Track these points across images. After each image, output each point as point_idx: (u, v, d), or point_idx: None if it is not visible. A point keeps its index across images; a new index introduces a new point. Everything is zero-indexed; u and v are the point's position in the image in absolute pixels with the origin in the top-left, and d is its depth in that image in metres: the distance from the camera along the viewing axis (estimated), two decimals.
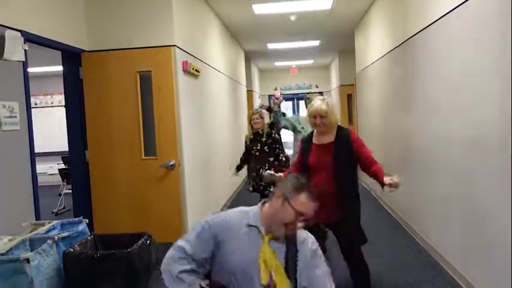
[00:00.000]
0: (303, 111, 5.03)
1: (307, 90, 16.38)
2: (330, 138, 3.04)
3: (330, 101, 3.06)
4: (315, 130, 3.13)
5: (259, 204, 2.05)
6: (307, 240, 2.01)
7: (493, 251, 3.01)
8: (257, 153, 4.90)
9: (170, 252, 1.95)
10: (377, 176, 2.85)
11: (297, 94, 17.19)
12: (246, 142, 5.11)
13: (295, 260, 1.93)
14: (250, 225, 1.95)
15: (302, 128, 5.26)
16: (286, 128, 5.54)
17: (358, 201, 3.07)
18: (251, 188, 4.99)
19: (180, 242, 1.95)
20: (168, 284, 1.88)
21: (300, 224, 1.94)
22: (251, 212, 2.02)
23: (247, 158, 5.12)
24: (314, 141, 3.13)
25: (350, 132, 3.08)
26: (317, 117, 3.00)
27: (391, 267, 3.96)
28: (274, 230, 1.93)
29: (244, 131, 6.79)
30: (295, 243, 1.96)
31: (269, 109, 6.53)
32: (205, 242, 1.92)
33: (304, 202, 1.93)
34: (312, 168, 3.01)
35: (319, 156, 3.03)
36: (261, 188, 4.84)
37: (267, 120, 5.15)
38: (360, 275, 3.07)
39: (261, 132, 4.91)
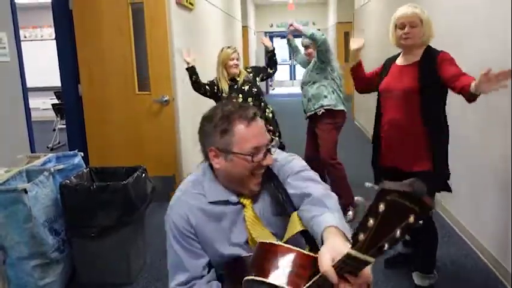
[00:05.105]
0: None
1: None
2: (415, 57, 2.38)
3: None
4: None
5: (203, 168, 1.48)
6: (282, 164, 1.45)
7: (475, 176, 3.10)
8: None
9: None
10: (463, 90, 2.06)
11: (293, 32, 16.77)
12: (216, 85, 3.79)
13: (283, 194, 1.39)
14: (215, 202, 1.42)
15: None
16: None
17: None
18: None
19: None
20: None
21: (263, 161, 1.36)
22: (204, 183, 1.45)
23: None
24: (397, 62, 2.51)
25: (440, 52, 2.33)
26: (406, 26, 2.30)
27: None
28: (246, 189, 1.41)
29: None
30: (272, 180, 1.43)
31: None
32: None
33: (245, 133, 1.33)
34: (384, 96, 2.46)
35: (396, 79, 2.40)
36: None
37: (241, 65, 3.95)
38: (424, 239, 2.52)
39: (237, 78, 3.80)
